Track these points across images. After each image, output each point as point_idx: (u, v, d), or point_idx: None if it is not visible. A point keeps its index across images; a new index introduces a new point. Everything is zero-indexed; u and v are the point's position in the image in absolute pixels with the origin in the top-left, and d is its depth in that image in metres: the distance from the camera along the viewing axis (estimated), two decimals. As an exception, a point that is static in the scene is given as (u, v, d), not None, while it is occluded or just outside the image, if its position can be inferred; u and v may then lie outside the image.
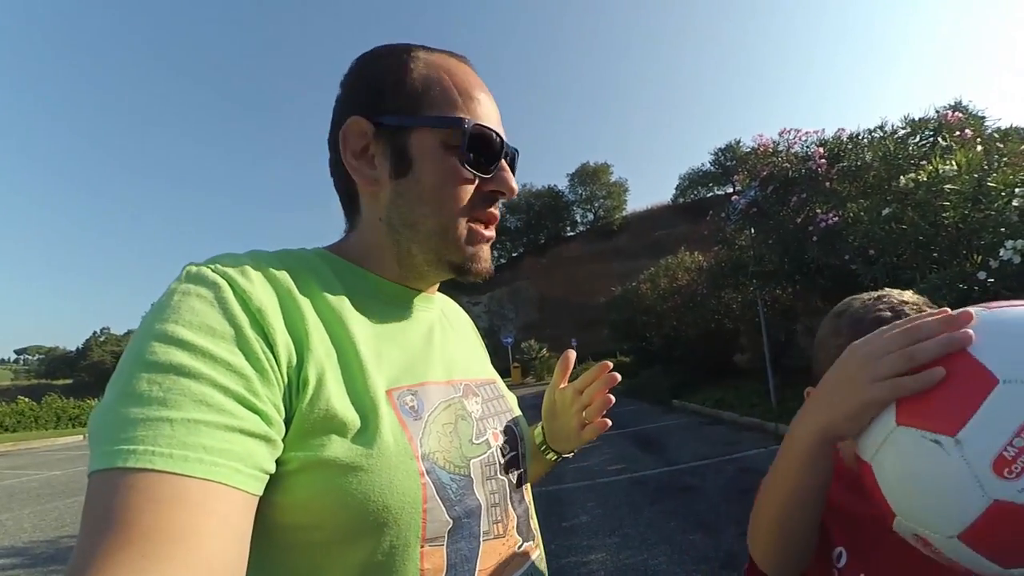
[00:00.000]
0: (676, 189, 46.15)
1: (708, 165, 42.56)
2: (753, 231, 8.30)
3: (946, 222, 4.63)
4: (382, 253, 0.69)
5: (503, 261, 47.77)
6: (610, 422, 0.84)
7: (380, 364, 0.60)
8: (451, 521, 0.58)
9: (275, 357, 0.52)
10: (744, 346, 11.69)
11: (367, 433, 0.54)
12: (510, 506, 0.69)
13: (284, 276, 0.58)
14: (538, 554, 0.73)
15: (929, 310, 0.71)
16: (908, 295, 0.80)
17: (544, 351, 29.94)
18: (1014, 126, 5.43)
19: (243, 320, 0.51)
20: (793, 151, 7.72)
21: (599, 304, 21.97)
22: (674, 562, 3.57)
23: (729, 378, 11.35)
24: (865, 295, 0.83)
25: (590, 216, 50.56)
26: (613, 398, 0.83)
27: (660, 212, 44.15)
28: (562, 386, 0.88)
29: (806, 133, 7.71)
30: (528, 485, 0.77)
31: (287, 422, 0.51)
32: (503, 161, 0.69)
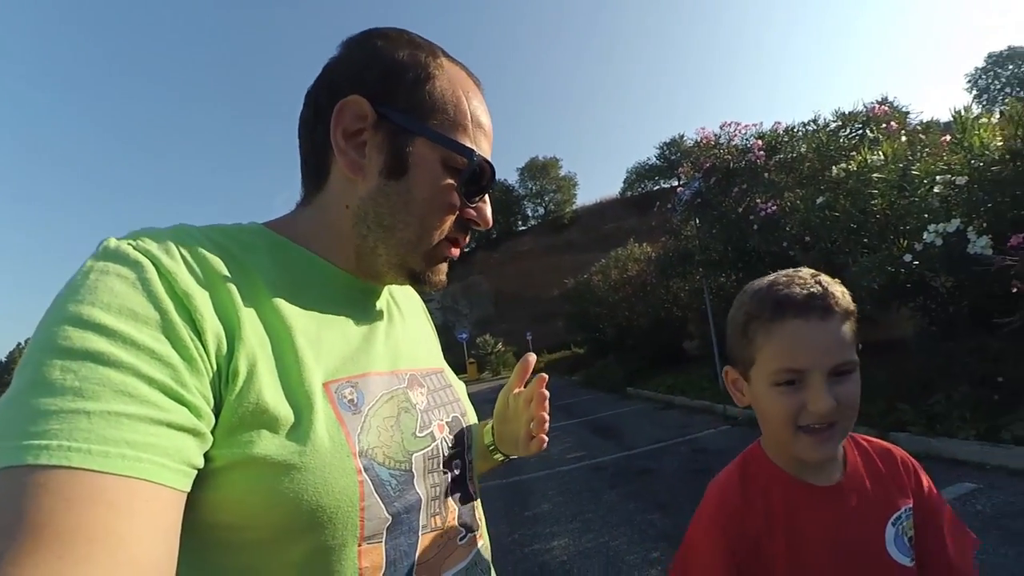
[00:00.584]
0: (624, 183, 47.08)
1: (654, 159, 43.65)
2: (698, 221, 8.61)
3: (875, 209, 4.96)
4: (340, 241, 0.66)
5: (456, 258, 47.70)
6: (547, 440, 0.78)
7: (318, 354, 0.56)
8: (390, 518, 0.56)
9: (203, 345, 0.48)
10: (692, 333, 12.08)
11: (300, 429, 0.51)
12: (450, 498, 0.67)
13: (214, 257, 0.54)
14: (482, 544, 0.71)
15: (816, 278, 0.80)
16: (803, 271, 0.82)
17: (500, 346, 29.97)
18: (935, 119, 5.85)
19: (168, 304, 0.47)
20: (733, 143, 8.07)
21: (553, 297, 22.26)
22: (634, 542, 3.69)
23: (680, 364, 11.68)
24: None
25: (541, 210, 50.93)
26: (547, 418, 0.78)
27: (609, 205, 44.91)
28: (517, 390, 0.82)
29: (745, 126, 8.07)
30: (474, 475, 0.75)
31: (216, 415, 0.48)
32: (487, 195, 0.69)
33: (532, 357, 0.82)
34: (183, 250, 0.52)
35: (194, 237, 0.55)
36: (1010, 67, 45.32)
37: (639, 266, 13.90)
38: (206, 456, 0.47)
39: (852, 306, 0.78)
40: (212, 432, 0.48)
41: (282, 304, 0.56)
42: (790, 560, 0.79)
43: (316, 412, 0.52)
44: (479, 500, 0.74)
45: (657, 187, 42.46)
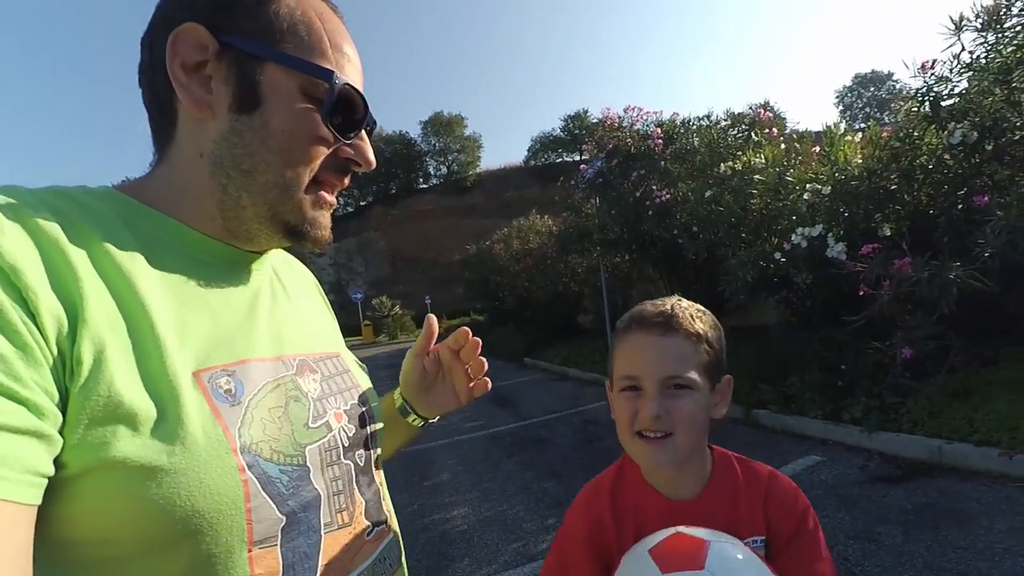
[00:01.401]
0: (528, 151, 47.26)
1: (558, 131, 44.06)
2: (598, 201, 8.91)
3: (753, 208, 5.45)
4: (199, 198, 0.57)
5: (350, 210, 45.26)
6: (490, 382, 0.84)
7: (185, 339, 0.49)
8: (284, 518, 0.51)
9: (39, 328, 0.41)
10: (587, 308, 12.59)
11: (166, 425, 0.44)
12: (356, 491, 0.62)
13: (50, 223, 0.46)
14: (391, 537, 0.68)
15: (676, 304, 0.86)
16: (672, 299, 0.88)
17: (397, 308, 29.48)
18: (807, 130, 6.49)
19: None
20: (635, 128, 8.39)
21: (453, 262, 22.13)
22: (531, 510, 3.95)
23: (574, 337, 12.19)
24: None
25: (443, 170, 49.99)
26: (484, 362, 0.82)
27: (513, 173, 44.88)
28: (431, 349, 0.83)
29: (647, 112, 8.42)
30: (380, 465, 0.71)
31: (61, 410, 0.41)
32: (363, 131, 0.63)
33: (434, 319, 0.84)
34: (9, 216, 0.44)
35: (26, 200, 0.47)
36: (872, 88, 50.66)
37: (540, 239, 14.17)
38: (56, 462, 0.41)
39: (704, 332, 0.83)
40: (61, 432, 0.41)
41: (137, 279, 0.49)
42: None
43: (184, 404, 0.46)
44: (385, 489, 0.71)
45: (560, 160, 43.03)
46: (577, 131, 39.54)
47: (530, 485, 4.46)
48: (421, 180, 49.59)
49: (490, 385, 0.83)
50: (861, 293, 4.01)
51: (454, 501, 4.34)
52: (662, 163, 7.53)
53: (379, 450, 0.71)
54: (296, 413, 0.56)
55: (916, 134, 4.39)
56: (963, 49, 4.01)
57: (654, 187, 7.24)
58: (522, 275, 14.07)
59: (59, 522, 0.42)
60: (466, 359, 0.82)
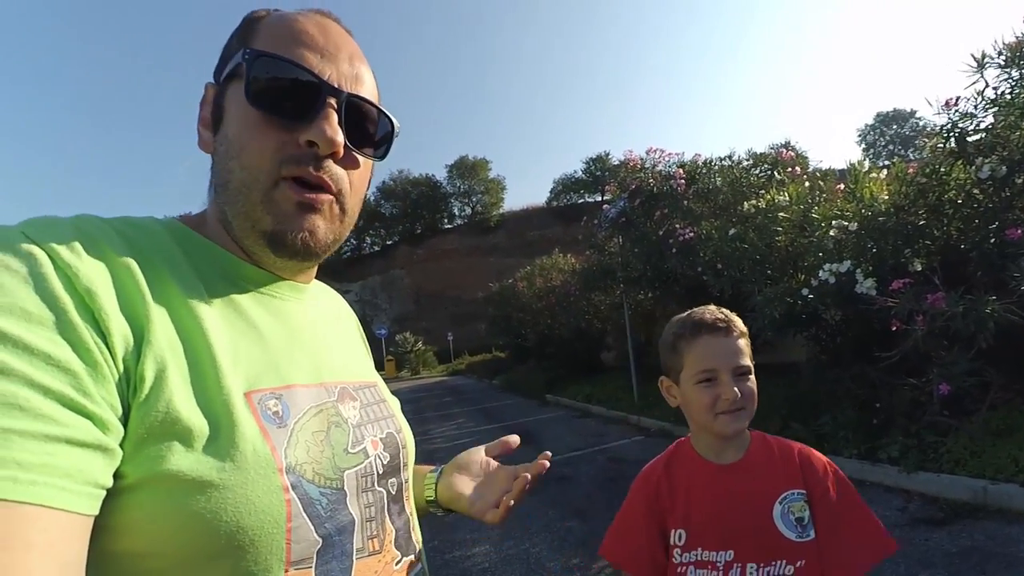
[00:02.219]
0: (551, 192, 47.81)
1: (580, 173, 44.64)
2: (621, 239, 8.94)
3: (779, 244, 5.42)
4: (220, 227, 0.61)
5: (377, 248, 46.62)
6: (512, 503, 0.76)
7: (237, 362, 0.52)
8: (320, 540, 0.52)
9: (109, 347, 0.43)
10: (610, 345, 12.54)
11: (219, 442, 0.46)
12: (387, 519, 0.63)
13: (121, 250, 0.49)
14: (419, 568, 0.68)
15: (721, 310, 1.09)
16: (711, 309, 1.10)
17: (420, 344, 29.55)
18: (831, 168, 6.49)
19: (67, 302, 0.42)
20: (657, 169, 8.47)
21: (475, 299, 22.23)
22: (554, 549, 3.84)
23: (597, 374, 12.07)
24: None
25: (468, 210, 50.74)
26: (530, 477, 0.77)
27: (536, 213, 45.39)
28: (492, 461, 0.86)
29: (669, 154, 8.50)
30: (410, 495, 0.72)
31: (124, 426, 0.43)
32: (330, 108, 0.57)
33: (516, 439, 0.86)
34: (84, 241, 0.47)
35: (98, 227, 0.50)
36: (894, 126, 50.73)
37: (563, 276, 14.20)
38: (115, 473, 0.42)
39: (745, 329, 1.09)
40: (122, 445, 0.43)
41: (195, 304, 0.51)
42: (687, 521, 1.04)
43: (237, 423, 0.47)
44: (416, 520, 0.71)
45: (582, 200, 43.44)
46: (599, 173, 40.03)
47: (553, 524, 4.36)
48: (446, 220, 50.40)
49: (509, 506, 0.75)
50: (894, 328, 3.93)
51: (475, 538, 4.25)
52: (685, 202, 7.56)
53: (410, 480, 0.72)
54: (337, 438, 0.58)
55: (943, 169, 4.37)
56: (987, 85, 4.02)
57: (677, 225, 7.25)
58: (545, 312, 14.07)
59: (109, 532, 0.43)
60: (519, 485, 0.77)
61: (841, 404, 5.08)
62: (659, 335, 1.18)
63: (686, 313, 1.12)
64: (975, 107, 4.10)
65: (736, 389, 1.02)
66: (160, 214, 0.64)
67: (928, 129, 4.88)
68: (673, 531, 1.05)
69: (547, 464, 0.77)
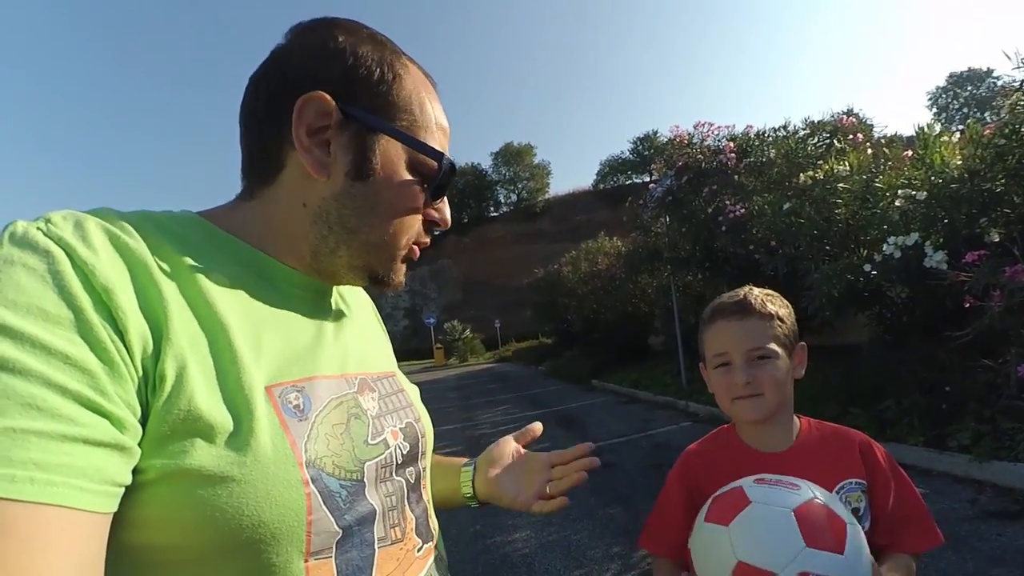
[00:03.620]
0: (597, 175, 47.36)
1: (627, 153, 43.99)
2: (668, 219, 8.72)
3: (838, 218, 5.12)
4: (294, 240, 0.61)
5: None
6: (568, 501, 0.81)
7: (259, 356, 0.52)
8: (340, 531, 0.52)
9: (127, 346, 0.43)
10: (658, 329, 12.30)
11: (240, 437, 0.46)
12: (407, 507, 0.64)
13: (140, 245, 0.49)
14: (437, 554, 0.69)
15: (749, 292, 1.04)
16: (738, 291, 1.06)
17: (468, 332, 29.97)
18: (898, 133, 6.05)
19: (84, 300, 0.42)
20: (706, 144, 8.16)
21: (522, 286, 22.29)
22: (595, 536, 3.77)
23: (644, 359, 11.90)
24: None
25: (513, 197, 50.84)
26: (586, 476, 0.82)
27: (581, 197, 45.13)
28: (522, 449, 0.89)
29: (718, 128, 8.17)
30: (428, 483, 0.73)
31: (143, 425, 0.44)
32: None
33: (538, 427, 0.91)
34: (102, 237, 0.47)
35: (118, 222, 0.50)
36: (969, 88, 47.35)
37: (608, 260, 14.03)
38: (133, 470, 0.43)
39: (775, 311, 1.02)
40: (140, 444, 0.43)
41: (218, 299, 0.52)
42: None
43: (258, 418, 0.47)
44: (432, 508, 0.73)
45: (629, 181, 42.89)
46: (647, 152, 39.31)
47: (595, 511, 4.26)
48: (492, 208, 50.74)
49: (566, 503, 0.82)
50: (967, 305, 3.61)
51: (516, 524, 4.21)
52: (735, 177, 7.24)
53: (428, 469, 0.73)
54: (357, 430, 0.58)
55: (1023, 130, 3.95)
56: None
57: (727, 202, 6.98)
58: (590, 297, 13.98)
59: (129, 526, 0.44)
60: (560, 475, 0.83)
61: (906, 388, 4.75)
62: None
63: (726, 294, 1.10)
64: (1062, 58, 3.68)
65: (747, 373, 0.98)
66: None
67: (1007, 86, 4.41)
68: None
69: (596, 460, 0.82)
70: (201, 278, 0.52)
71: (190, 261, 0.52)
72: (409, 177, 0.61)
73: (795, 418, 1.04)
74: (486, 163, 52.34)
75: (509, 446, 0.89)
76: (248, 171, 0.63)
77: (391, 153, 0.60)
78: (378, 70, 0.60)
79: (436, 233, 0.70)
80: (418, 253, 0.68)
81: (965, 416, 4.19)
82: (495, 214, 49.71)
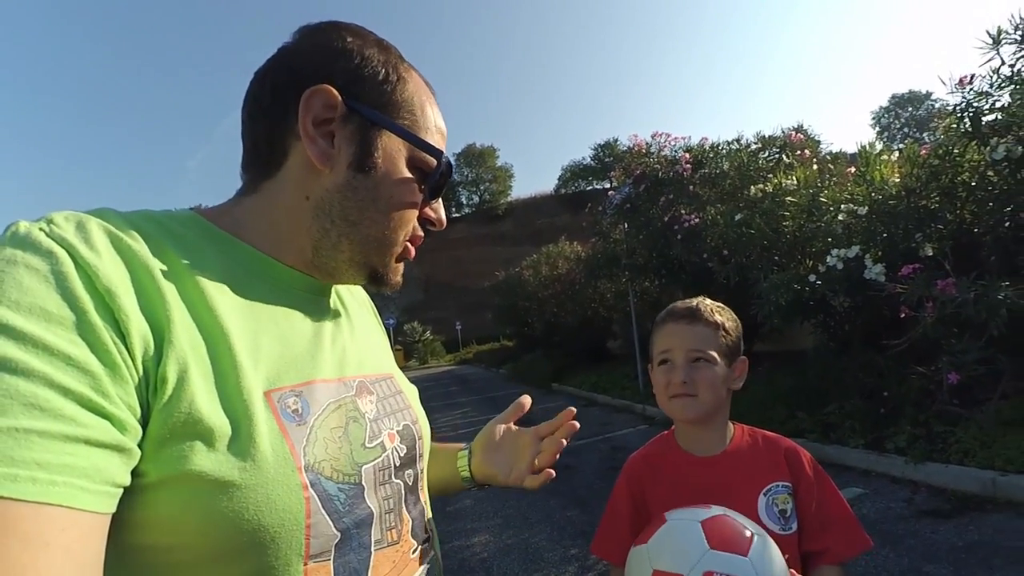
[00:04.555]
0: (559, 180, 47.61)
1: (589, 159, 44.37)
2: (626, 226, 8.84)
3: (786, 230, 5.31)
4: (294, 235, 0.62)
5: (385, 240, 46.80)
6: (554, 473, 0.82)
7: (258, 360, 0.52)
8: (339, 534, 0.53)
9: (128, 348, 0.43)
10: (616, 333, 12.46)
11: (239, 442, 0.46)
12: (404, 509, 0.65)
13: (141, 247, 0.49)
14: (432, 555, 0.70)
15: (700, 301, 1.10)
16: (691, 300, 1.11)
17: (428, 334, 29.68)
18: (842, 150, 6.34)
19: (86, 302, 0.42)
20: (663, 153, 8.33)
21: (483, 288, 22.24)
22: (553, 539, 3.82)
23: (603, 363, 12.07)
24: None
25: (476, 199, 50.68)
26: (565, 443, 0.83)
27: (543, 201, 45.33)
28: (512, 427, 0.89)
29: (675, 138, 8.35)
30: (425, 485, 0.74)
31: (143, 426, 0.44)
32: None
33: (527, 400, 0.90)
34: (104, 238, 0.47)
35: (119, 223, 0.50)
36: (909, 109, 49.81)
37: (569, 264, 14.15)
38: (134, 471, 0.43)
39: (721, 322, 1.07)
40: (140, 445, 0.43)
41: (217, 303, 0.52)
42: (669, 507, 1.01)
43: (256, 423, 0.48)
44: (429, 509, 0.73)
45: (590, 187, 43.25)
46: (607, 159, 39.79)
47: (554, 513, 4.32)
48: (454, 209, 50.33)
49: (551, 476, 0.82)
50: (903, 315, 3.82)
51: (475, 528, 4.23)
52: (691, 187, 7.43)
53: (425, 471, 0.73)
54: (354, 433, 0.59)
55: (956, 151, 4.22)
56: (1003, 63, 3.86)
57: (683, 211, 7.14)
58: (551, 301, 14.06)
59: (132, 527, 0.44)
60: (550, 445, 0.84)
61: (848, 393, 4.98)
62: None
63: (675, 303, 1.15)
64: (990, 85, 3.94)
65: (686, 373, 1.03)
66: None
67: (942, 110, 4.69)
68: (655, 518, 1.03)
69: (576, 424, 0.82)
70: (201, 280, 0.52)
71: (190, 263, 0.53)
72: (409, 173, 0.63)
73: (730, 425, 1.10)
74: (448, 164, 51.84)
75: (500, 426, 0.89)
76: (251, 164, 0.63)
77: (392, 149, 0.62)
78: (383, 71, 0.62)
79: (431, 231, 0.71)
80: (413, 252, 0.69)
81: (902, 420, 4.42)
82: (457, 215, 49.42)
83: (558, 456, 0.82)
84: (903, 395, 4.51)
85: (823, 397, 5.23)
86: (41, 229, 0.45)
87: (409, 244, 0.67)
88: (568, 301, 12.82)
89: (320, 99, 0.58)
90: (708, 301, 1.12)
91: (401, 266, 0.69)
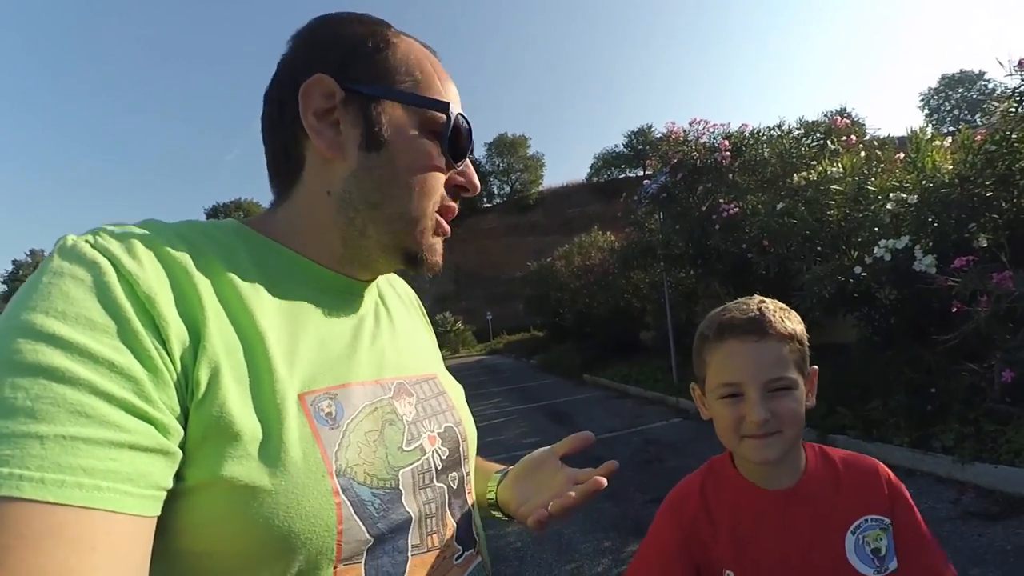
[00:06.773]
0: (591, 168, 47.08)
1: (621, 147, 43.74)
2: (662, 216, 8.70)
3: (830, 219, 5.14)
4: (323, 231, 0.62)
5: (417, 229, 47.22)
6: (542, 528, 0.68)
7: (294, 363, 0.52)
8: (372, 539, 0.52)
9: (168, 352, 0.44)
10: (650, 324, 12.30)
11: (270, 446, 0.47)
12: (448, 514, 0.63)
13: (182, 255, 0.50)
14: (479, 561, 0.67)
15: (761, 304, 0.88)
16: (754, 299, 0.91)
17: (459, 324, 29.93)
18: (890, 135, 6.08)
19: (128, 310, 0.43)
20: (701, 141, 8.15)
21: (514, 278, 22.26)
22: (586, 531, 3.82)
23: (636, 354, 11.92)
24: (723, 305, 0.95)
25: (507, 189, 50.57)
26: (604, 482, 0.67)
27: (575, 190, 44.91)
28: (556, 458, 0.77)
29: (713, 125, 8.15)
30: (472, 487, 0.71)
31: (184, 427, 0.45)
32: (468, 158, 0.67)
33: (590, 436, 0.78)
34: (148, 248, 0.49)
35: (163, 233, 0.52)
36: (960, 90, 47.57)
37: (602, 254, 14.03)
38: (176, 475, 0.44)
39: (793, 331, 0.86)
40: (182, 446, 0.44)
41: (255, 306, 0.52)
42: (736, 560, 0.86)
43: (288, 427, 0.48)
44: (476, 512, 0.71)
45: (623, 175, 42.66)
46: (640, 147, 39.10)
47: (586, 506, 4.30)
48: (485, 199, 50.27)
49: (543, 523, 0.66)
50: (954, 310, 3.66)
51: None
52: (730, 175, 7.26)
53: (471, 473, 0.71)
54: (391, 436, 0.58)
55: (1014, 136, 4.00)
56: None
57: (721, 200, 6.97)
58: (583, 291, 13.98)
59: (173, 531, 0.45)
60: (570, 493, 0.69)
61: (893, 389, 4.81)
62: (701, 315, 1.01)
63: (720, 308, 0.93)
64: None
65: (764, 410, 0.81)
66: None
67: (998, 92, 4.44)
68: (721, 571, 0.87)
69: (604, 482, 0.66)
70: (240, 284, 0.53)
71: (230, 267, 0.54)
72: (421, 137, 0.61)
73: (800, 447, 0.91)
74: (479, 154, 51.82)
75: (544, 457, 0.79)
76: (276, 176, 0.65)
77: (398, 118, 0.60)
78: (369, 42, 0.61)
79: (465, 197, 0.68)
80: (447, 227, 0.66)
81: (949, 418, 4.26)
82: (488, 205, 49.33)
83: (573, 507, 0.66)
84: (952, 392, 4.34)
85: (865, 393, 5.07)
86: (87, 241, 0.47)
87: (440, 218, 0.65)
88: (600, 291, 12.71)
89: (316, 90, 0.58)
90: (768, 303, 0.90)
91: (439, 244, 0.66)
